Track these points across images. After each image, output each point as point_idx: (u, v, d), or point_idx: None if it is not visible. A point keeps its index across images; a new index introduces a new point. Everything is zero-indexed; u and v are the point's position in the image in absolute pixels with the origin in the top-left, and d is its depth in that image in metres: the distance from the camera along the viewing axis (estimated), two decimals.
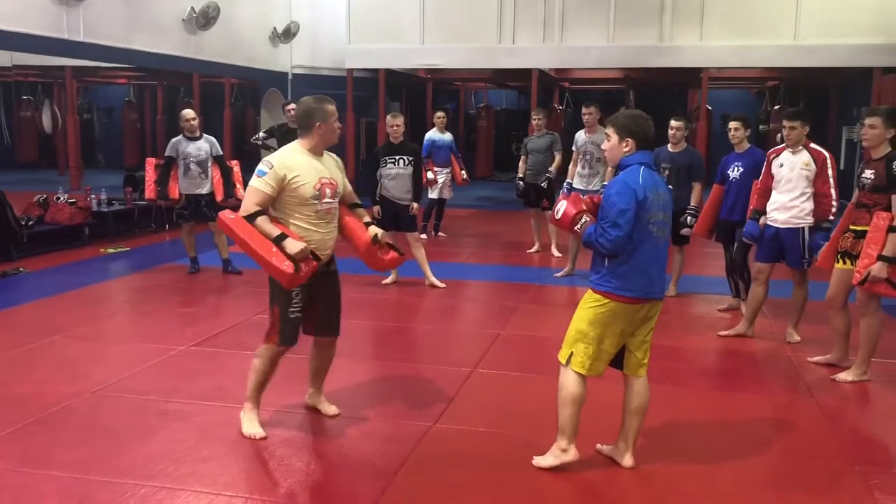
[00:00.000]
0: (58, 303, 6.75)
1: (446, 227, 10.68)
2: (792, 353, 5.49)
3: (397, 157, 7.18)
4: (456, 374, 4.88)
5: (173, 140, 7.72)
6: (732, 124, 6.26)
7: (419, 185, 7.40)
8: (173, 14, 10.99)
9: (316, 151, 3.86)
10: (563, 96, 17.19)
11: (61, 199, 9.32)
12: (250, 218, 3.67)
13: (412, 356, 5.54)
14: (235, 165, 8.05)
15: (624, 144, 3.46)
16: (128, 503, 3.25)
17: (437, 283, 7.32)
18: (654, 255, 3.41)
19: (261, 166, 3.75)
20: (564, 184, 7.77)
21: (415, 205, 7.26)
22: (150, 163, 7.97)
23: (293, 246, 3.63)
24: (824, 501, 3.45)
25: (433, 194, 10.17)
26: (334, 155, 4.04)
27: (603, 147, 3.68)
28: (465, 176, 10.49)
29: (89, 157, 16.38)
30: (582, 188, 7.49)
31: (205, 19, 11.46)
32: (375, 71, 14.05)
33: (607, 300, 3.41)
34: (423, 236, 9.96)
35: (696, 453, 3.85)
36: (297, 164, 3.76)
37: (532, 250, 9.41)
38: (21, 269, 7.80)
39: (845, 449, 3.99)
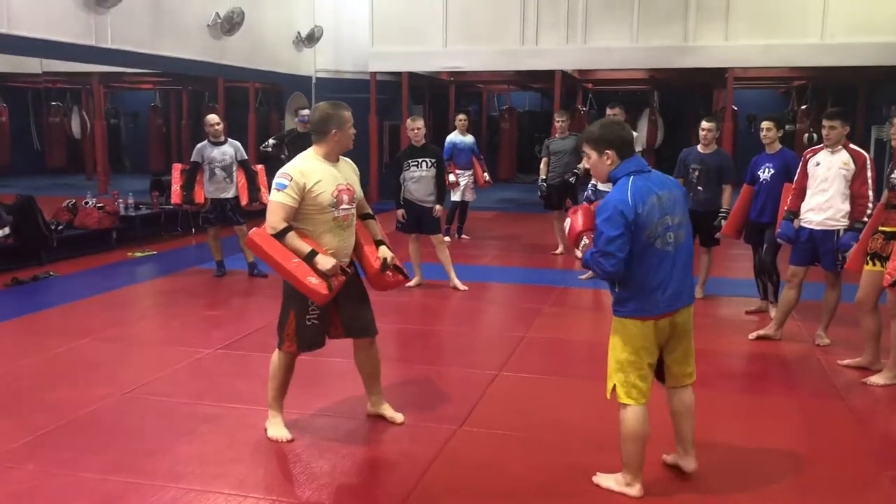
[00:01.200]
0: (87, 306, 6.84)
1: (469, 229, 10.69)
2: (822, 355, 5.42)
3: (420, 160, 7.19)
4: (481, 377, 4.87)
5: (198, 145, 7.79)
6: (765, 125, 6.20)
7: (442, 188, 7.40)
8: (198, 20, 11.10)
9: (331, 158, 3.83)
10: (587, 98, 17.11)
11: (89, 203, 9.44)
12: (280, 235, 3.66)
13: (436, 359, 5.54)
14: (260, 169, 8.11)
15: (605, 158, 3.27)
16: None
17: (460, 285, 7.32)
18: (666, 267, 3.22)
19: (279, 179, 3.70)
20: (589, 186, 7.73)
21: (438, 207, 7.26)
22: (177, 168, 8.05)
23: (325, 263, 3.63)
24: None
25: (455, 197, 10.18)
26: (349, 160, 4.02)
27: (585, 166, 3.50)
28: (487, 178, 10.49)
29: (116, 161, 16.57)
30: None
31: (229, 24, 11.56)
32: (398, 74, 14.08)
33: (629, 322, 3.31)
34: (447, 239, 9.96)
35: (723, 457, 3.82)
36: (315, 172, 3.74)
37: (557, 251, 9.39)
38: (51, 273, 7.92)
39: (876, 453, 3.93)
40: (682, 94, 17.34)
